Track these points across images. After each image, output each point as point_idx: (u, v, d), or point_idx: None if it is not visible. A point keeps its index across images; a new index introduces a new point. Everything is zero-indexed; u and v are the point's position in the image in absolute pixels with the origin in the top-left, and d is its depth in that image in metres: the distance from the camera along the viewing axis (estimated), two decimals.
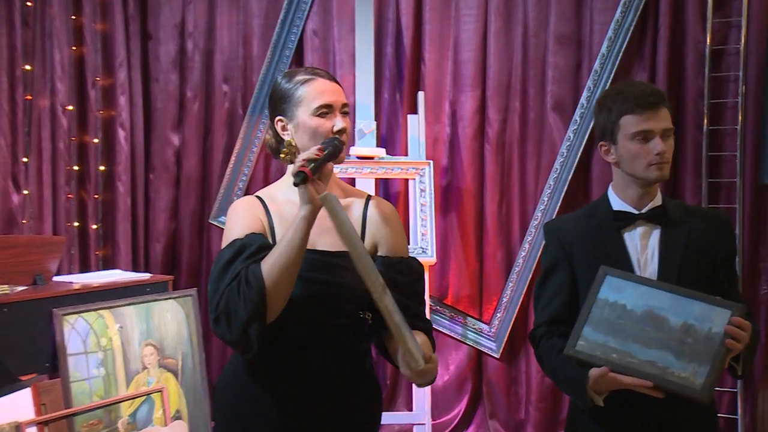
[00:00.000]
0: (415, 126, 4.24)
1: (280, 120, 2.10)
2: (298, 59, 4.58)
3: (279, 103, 2.11)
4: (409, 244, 4.11)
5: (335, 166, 2.23)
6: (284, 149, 2.08)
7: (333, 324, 2.05)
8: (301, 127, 2.07)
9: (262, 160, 4.61)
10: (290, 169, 2.11)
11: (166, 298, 3.53)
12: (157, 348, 3.45)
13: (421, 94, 4.29)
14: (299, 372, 2.04)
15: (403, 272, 2.09)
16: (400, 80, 4.46)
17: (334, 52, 4.52)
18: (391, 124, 4.45)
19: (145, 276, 3.75)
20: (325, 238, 2.07)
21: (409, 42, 4.44)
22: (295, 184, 1.89)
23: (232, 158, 4.60)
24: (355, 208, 2.12)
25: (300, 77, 2.08)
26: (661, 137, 2.22)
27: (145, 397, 3.28)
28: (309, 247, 1.99)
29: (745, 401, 3.97)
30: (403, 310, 1.97)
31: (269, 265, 1.92)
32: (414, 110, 4.37)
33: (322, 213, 1.94)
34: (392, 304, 1.79)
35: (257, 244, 1.99)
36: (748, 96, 3.97)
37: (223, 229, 4.46)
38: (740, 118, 3.95)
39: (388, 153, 4.31)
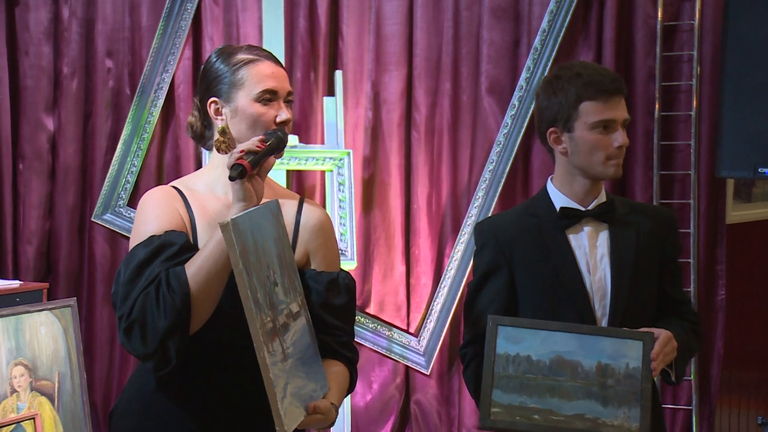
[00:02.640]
0: (333, 110, 4.21)
1: (215, 102, 2.08)
2: (196, 31, 4.52)
3: (214, 84, 2.08)
4: None
5: None
6: (218, 136, 2.06)
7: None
8: (240, 114, 2.05)
9: (155, 149, 4.53)
10: (214, 158, 2.11)
11: (40, 310, 3.45)
12: (29, 368, 3.37)
13: (338, 74, 4.27)
14: (220, 390, 2.02)
15: (339, 292, 2.10)
16: (315, 57, 4.42)
17: (237, 24, 4.47)
18: (305, 108, 4.41)
19: (14, 284, 3.69)
20: None
21: (325, 13, 4.40)
22: (231, 178, 1.87)
23: (119, 146, 4.51)
24: (286, 212, 2.09)
25: (241, 56, 2.07)
26: (622, 128, 2.27)
27: (14, 425, 3.19)
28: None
29: (701, 420, 4.05)
30: (335, 337, 2.06)
31: (196, 267, 1.89)
32: (331, 92, 4.34)
33: (218, 210, 1.98)
34: (270, 357, 1.76)
35: (179, 244, 1.96)
36: (703, 78, 4.05)
37: (108, 228, 4.49)
38: (695, 103, 4.03)
39: (301, 141, 4.27)
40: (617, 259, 2.30)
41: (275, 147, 1.96)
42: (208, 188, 2.10)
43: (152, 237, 1.96)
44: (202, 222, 2.05)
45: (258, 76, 2.05)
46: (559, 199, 2.34)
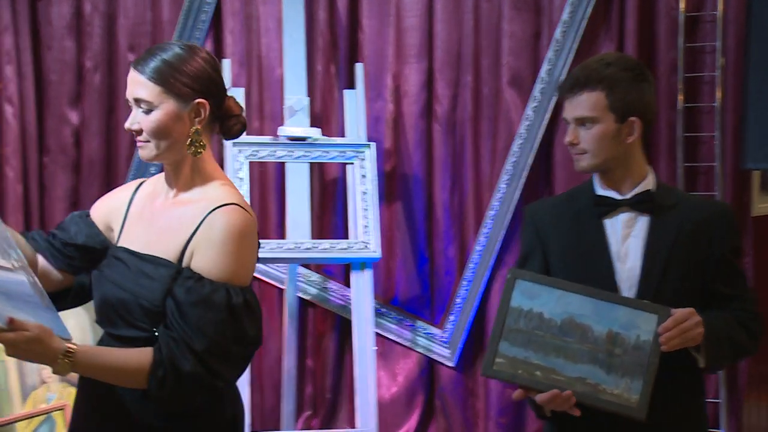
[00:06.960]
0: (353, 103, 4.21)
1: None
2: (216, 25, 4.52)
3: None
4: (347, 238, 4.10)
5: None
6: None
7: (124, 335, 2.05)
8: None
9: None
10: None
11: None
12: None
13: (359, 66, 4.27)
14: (88, 384, 2.12)
15: (188, 290, 1.97)
16: (336, 50, 4.44)
17: (257, 17, 4.47)
18: (326, 101, 4.43)
19: None
20: (142, 237, 2.08)
21: (345, 6, 4.42)
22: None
23: None
24: (190, 214, 2.05)
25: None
26: (578, 125, 2.31)
27: (45, 416, 3.24)
28: (122, 243, 2.09)
29: (730, 414, 4.03)
30: (169, 330, 1.97)
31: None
32: (352, 85, 4.34)
33: (153, 209, 2.11)
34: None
35: (58, 227, 2.20)
36: (727, 69, 4.04)
37: None
38: (719, 94, 4.03)
39: (323, 134, 4.27)
40: (651, 249, 2.30)
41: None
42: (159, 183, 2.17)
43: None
44: (131, 220, 2.14)
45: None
46: (599, 186, 2.38)
